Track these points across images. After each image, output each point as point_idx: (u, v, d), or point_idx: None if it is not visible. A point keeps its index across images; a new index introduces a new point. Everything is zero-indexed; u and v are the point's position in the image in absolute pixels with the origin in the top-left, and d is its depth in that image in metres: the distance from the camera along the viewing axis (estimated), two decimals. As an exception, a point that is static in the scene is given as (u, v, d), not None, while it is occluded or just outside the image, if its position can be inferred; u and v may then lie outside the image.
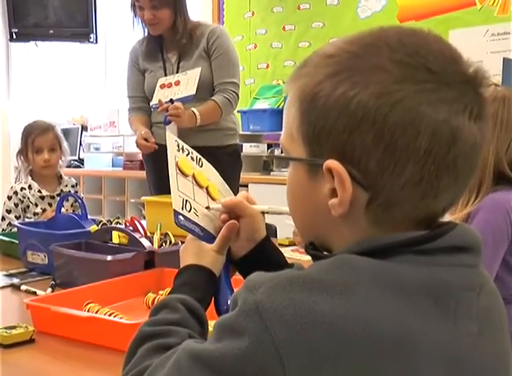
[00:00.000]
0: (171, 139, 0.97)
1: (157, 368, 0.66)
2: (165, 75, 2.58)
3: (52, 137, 2.44)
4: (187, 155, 0.98)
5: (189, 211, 0.90)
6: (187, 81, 2.44)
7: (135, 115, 2.67)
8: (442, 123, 0.59)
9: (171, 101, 2.40)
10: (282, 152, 0.73)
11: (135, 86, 2.69)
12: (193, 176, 0.96)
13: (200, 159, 1.01)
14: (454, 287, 0.62)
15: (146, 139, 2.47)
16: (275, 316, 0.56)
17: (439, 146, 0.59)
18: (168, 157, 0.93)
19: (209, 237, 0.91)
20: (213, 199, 0.97)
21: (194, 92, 2.38)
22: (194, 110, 2.41)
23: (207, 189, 0.97)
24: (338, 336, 0.55)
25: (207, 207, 0.94)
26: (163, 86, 2.50)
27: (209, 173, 1.01)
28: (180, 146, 0.98)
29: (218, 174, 1.04)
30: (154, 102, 2.48)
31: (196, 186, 0.96)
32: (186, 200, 0.91)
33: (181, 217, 0.88)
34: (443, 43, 0.63)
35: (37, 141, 2.40)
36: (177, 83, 2.46)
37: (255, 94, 4.33)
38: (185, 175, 0.94)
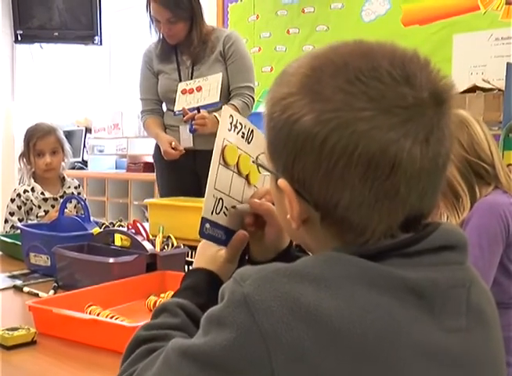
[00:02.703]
0: (226, 113, 0.89)
1: (147, 367, 0.66)
2: (179, 77, 2.59)
3: (54, 140, 2.44)
4: (238, 132, 0.91)
5: (219, 212, 0.87)
6: (209, 87, 2.45)
7: (150, 118, 2.69)
8: (377, 151, 0.59)
9: (198, 110, 2.41)
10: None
11: (148, 89, 2.70)
12: (237, 163, 0.91)
13: (251, 132, 0.94)
14: (441, 285, 0.62)
15: (174, 148, 2.47)
16: (263, 308, 0.57)
17: (375, 174, 0.60)
18: (216, 142, 0.86)
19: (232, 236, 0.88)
20: (250, 184, 0.93)
21: (218, 99, 2.40)
22: (216, 115, 2.43)
23: (247, 176, 0.93)
24: (322, 329, 0.56)
25: (233, 207, 0.90)
26: (184, 92, 2.50)
27: (258, 147, 0.93)
28: (233, 123, 0.90)
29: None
30: (178, 108, 2.48)
31: (236, 175, 0.91)
32: (220, 199, 0.87)
33: (207, 225, 0.85)
34: (399, 61, 0.61)
35: (39, 144, 2.41)
36: (198, 89, 2.46)
37: (259, 97, 4.33)
38: (228, 164, 0.89)
